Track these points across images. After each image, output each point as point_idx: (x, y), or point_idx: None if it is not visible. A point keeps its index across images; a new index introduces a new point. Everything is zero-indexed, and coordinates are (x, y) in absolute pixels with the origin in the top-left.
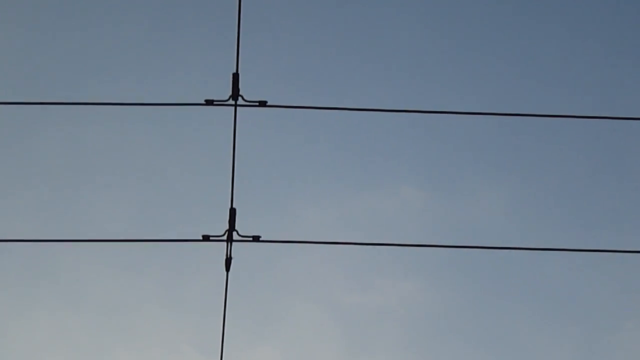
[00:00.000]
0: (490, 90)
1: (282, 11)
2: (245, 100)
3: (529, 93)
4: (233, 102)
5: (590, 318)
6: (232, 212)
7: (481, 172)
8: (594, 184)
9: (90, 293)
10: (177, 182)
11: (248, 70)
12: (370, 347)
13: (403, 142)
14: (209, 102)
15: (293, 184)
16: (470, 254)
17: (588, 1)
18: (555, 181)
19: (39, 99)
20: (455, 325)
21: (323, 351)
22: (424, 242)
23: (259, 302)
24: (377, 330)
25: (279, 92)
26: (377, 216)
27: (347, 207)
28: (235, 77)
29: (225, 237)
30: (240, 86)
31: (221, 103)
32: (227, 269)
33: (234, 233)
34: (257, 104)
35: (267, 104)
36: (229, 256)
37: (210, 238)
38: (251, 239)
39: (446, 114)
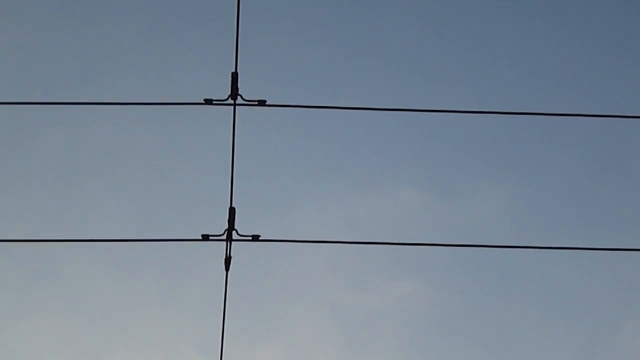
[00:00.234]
0: (490, 90)
1: (281, 10)
2: (245, 100)
3: (529, 93)
4: (232, 102)
5: (592, 318)
6: (232, 211)
7: (481, 172)
8: (594, 184)
9: (90, 293)
10: (177, 182)
11: (247, 70)
12: (369, 347)
13: (402, 143)
14: (208, 102)
15: (292, 183)
16: (470, 255)
17: (588, 1)
18: (555, 181)
19: (39, 99)
20: (455, 325)
21: (322, 352)
22: (423, 243)
23: (258, 303)
24: (376, 331)
25: (278, 91)
26: (376, 217)
27: (346, 207)
28: (234, 76)
29: (224, 237)
30: (239, 85)
31: (220, 102)
32: (227, 268)
33: (234, 232)
34: (256, 103)
35: (266, 103)
36: (228, 255)
37: (210, 237)
38: (250, 238)
39: (445, 115)
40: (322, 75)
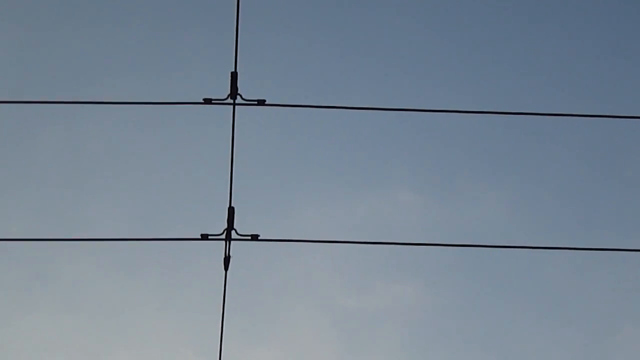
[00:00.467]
0: (489, 91)
1: (281, 10)
2: (244, 99)
3: (527, 93)
4: (231, 101)
5: (590, 320)
6: (231, 210)
7: (480, 174)
8: (592, 185)
9: (88, 293)
10: (176, 181)
11: (246, 69)
12: (368, 349)
13: (402, 144)
14: (208, 101)
15: (291, 183)
16: (469, 257)
17: (588, 1)
18: (554, 183)
19: (38, 99)
20: (454, 327)
21: (321, 353)
22: (422, 243)
23: (257, 303)
24: (375, 332)
25: (277, 90)
26: (374, 218)
27: (345, 208)
28: (234, 75)
29: (224, 236)
30: (238, 85)
31: (220, 102)
32: (226, 267)
33: (233, 232)
34: (256, 102)
35: (266, 102)
36: (227, 255)
37: (209, 237)
38: (250, 237)
39: (445, 116)
40: (322, 75)
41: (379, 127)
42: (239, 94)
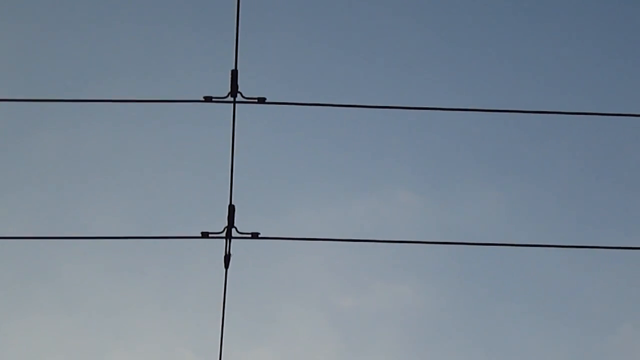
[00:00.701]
0: (487, 90)
1: (281, 8)
2: (244, 97)
3: (528, 92)
4: (232, 99)
5: (588, 319)
6: (231, 208)
7: (478, 173)
8: (591, 184)
9: (88, 293)
10: (176, 179)
11: (247, 67)
12: (367, 348)
13: (402, 143)
14: (208, 99)
15: (291, 181)
16: (467, 257)
17: (588, 1)
18: (552, 182)
19: (38, 98)
20: (452, 327)
21: (320, 353)
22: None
23: (256, 302)
24: (374, 332)
25: (277, 88)
26: (372, 218)
27: (345, 207)
28: (234, 73)
29: (224, 234)
30: (239, 83)
31: (220, 100)
32: (226, 266)
33: (233, 230)
34: (256, 100)
35: (266, 100)
36: (227, 253)
37: (209, 235)
38: (250, 235)
39: (445, 116)
40: (322, 73)
41: (379, 126)
42: (239, 92)
